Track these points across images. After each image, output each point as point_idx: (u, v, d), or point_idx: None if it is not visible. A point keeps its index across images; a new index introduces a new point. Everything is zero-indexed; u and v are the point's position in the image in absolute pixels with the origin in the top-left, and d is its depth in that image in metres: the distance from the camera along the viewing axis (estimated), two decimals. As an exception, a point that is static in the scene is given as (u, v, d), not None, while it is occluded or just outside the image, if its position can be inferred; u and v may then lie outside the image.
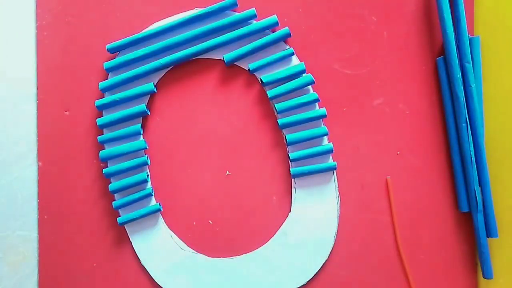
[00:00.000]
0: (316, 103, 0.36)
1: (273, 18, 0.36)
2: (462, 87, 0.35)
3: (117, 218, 0.35)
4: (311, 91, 0.36)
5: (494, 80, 0.37)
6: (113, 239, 0.36)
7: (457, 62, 0.36)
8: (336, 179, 0.36)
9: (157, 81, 0.37)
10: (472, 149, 0.35)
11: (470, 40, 0.36)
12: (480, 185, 0.36)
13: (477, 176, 0.35)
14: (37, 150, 0.36)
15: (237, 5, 0.36)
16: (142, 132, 0.36)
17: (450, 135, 0.36)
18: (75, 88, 0.37)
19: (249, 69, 0.36)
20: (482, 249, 0.35)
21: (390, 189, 0.36)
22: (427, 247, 0.37)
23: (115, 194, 0.36)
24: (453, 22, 0.36)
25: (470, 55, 0.35)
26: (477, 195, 0.35)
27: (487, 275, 0.36)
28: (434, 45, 0.37)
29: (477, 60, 0.36)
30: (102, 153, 0.35)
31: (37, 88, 0.37)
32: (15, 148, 0.36)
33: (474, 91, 0.35)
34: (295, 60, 0.37)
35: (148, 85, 0.36)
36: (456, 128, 0.36)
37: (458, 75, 0.35)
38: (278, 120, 0.36)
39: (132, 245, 0.36)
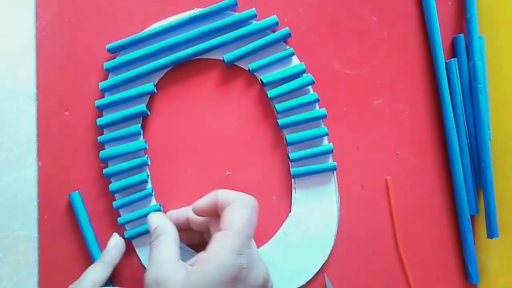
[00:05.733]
0: (316, 103, 0.36)
1: (273, 18, 0.36)
2: (447, 85, 0.36)
3: (117, 218, 0.35)
4: (311, 91, 0.36)
5: (497, 80, 0.37)
6: (113, 239, 0.36)
7: (443, 59, 0.36)
8: (336, 179, 0.36)
9: (157, 81, 0.37)
10: (468, 148, 0.35)
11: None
12: (482, 185, 0.36)
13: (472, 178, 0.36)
14: (37, 150, 0.36)
15: (237, 5, 0.36)
16: (142, 132, 0.36)
17: (449, 135, 0.36)
18: (75, 88, 0.37)
19: (249, 69, 0.36)
20: (468, 253, 0.36)
21: (390, 189, 0.36)
22: (427, 247, 0.37)
23: (115, 194, 0.36)
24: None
25: (480, 53, 0.36)
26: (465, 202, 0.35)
27: (474, 280, 0.36)
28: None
29: (482, 60, 0.36)
30: (102, 153, 0.35)
31: (37, 88, 0.37)
32: (15, 148, 0.36)
33: (483, 89, 0.35)
34: (295, 60, 0.36)
35: (148, 85, 0.36)
36: (456, 128, 0.36)
37: (444, 73, 0.36)
38: (278, 120, 0.36)
39: (132, 245, 0.36)
